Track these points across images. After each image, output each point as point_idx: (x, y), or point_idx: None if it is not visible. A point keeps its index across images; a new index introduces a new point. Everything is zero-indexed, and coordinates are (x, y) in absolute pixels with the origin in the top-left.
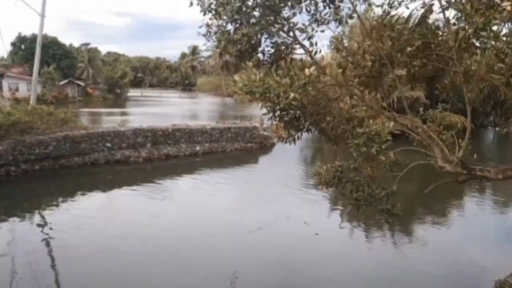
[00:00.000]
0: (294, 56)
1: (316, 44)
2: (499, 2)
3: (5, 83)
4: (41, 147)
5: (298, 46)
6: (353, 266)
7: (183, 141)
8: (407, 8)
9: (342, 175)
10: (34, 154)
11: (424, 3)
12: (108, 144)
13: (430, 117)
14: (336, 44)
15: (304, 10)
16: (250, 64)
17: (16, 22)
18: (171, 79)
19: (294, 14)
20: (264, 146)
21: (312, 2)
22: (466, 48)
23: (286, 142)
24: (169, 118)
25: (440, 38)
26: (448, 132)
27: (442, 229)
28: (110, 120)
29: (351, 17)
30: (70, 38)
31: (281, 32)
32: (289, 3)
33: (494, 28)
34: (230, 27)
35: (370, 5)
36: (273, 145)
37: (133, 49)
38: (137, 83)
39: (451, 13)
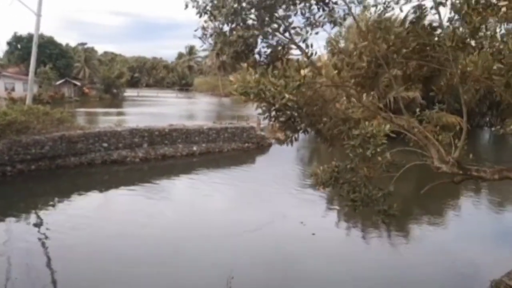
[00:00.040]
0: (291, 56)
1: (311, 46)
2: (495, 2)
3: (1, 83)
4: (37, 147)
5: (294, 46)
6: (351, 267)
7: (180, 141)
8: (401, 11)
9: (339, 176)
10: (30, 154)
11: (419, 5)
12: (105, 144)
13: (427, 117)
14: (332, 47)
15: (299, 12)
16: (245, 65)
17: (12, 22)
18: (168, 79)
19: (289, 16)
20: (261, 146)
21: (306, 5)
22: (463, 47)
23: (284, 144)
24: (166, 118)
25: (436, 39)
26: (445, 133)
27: (439, 229)
28: (106, 120)
29: (345, 18)
30: (66, 38)
31: (277, 33)
32: (284, 6)
33: (491, 28)
34: (226, 28)
35: (365, 7)
36: (270, 145)
37: (130, 49)
38: (133, 83)
39: (446, 14)
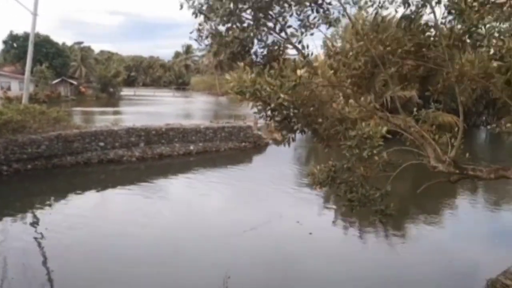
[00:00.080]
0: (287, 56)
1: (307, 47)
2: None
3: None
4: (34, 146)
5: (290, 46)
6: (349, 266)
7: (176, 140)
8: (396, 11)
9: (335, 175)
10: (26, 154)
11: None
12: (101, 144)
13: (423, 117)
14: (327, 49)
15: (294, 13)
16: (242, 64)
17: (8, 20)
18: (165, 78)
19: (284, 18)
20: (258, 146)
21: (300, 8)
22: (460, 45)
23: (281, 144)
24: (163, 117)
25: (431, 39)
26: (441, 132)
27: (435, 229)
28: (103, 119)
29: (339, 20)
30: (63, 37)
31: (272, 32)
32: (279, 5)
33: (488, 26)
34: (222, 28)
35: (360, 7)
36: (267, 144)
37: (126, 48)
38: (130, 82)
39: (440, 14)
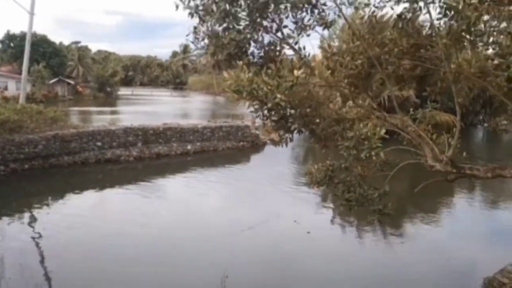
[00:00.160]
0: (285, 56)
1: (304, 48)
2: None
3: None
4: (31, 146)
5: (287, 46)
6: (347, 265)
7: (174, 140)
8: (392, 9)
9: (333, 174)
10: (24, 153)
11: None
12: (99, 143)
13: (420, 116)
14: (324, 50)
15: (290, 15)
16: (241, 62)
17: (5, 20)
18: (162, 77)
19: (281, 19)
20: (256, 145)
21: (295, 10)
22: (458, 42)
23: (278, 145)
24: (160, 117)
25: (428, 38)
26: (438, 131)
27: (433, 228)
28: (100, 119)
29: (335, 21)
30: (60, 36)
31: (269, 33)
32: (273, 5)
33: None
34: (218, 28)
35: (356, 8)
36: (264, 144)
37: (124, 48)
38: (128, 82)
39: (436, 13)
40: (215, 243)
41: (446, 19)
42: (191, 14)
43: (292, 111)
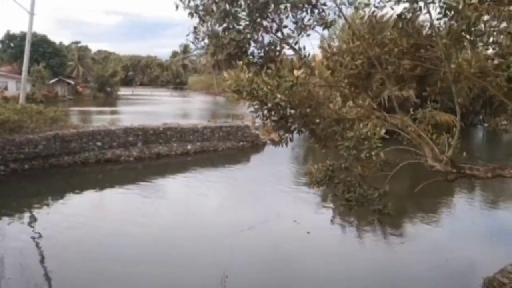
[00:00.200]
0: (285, 56)
1: (304, 48)
2: None
3: None
4: (31, 146)
5: (287, 46)
6: (347, 266)
7: (174, 140)
8: (392, 9)
9: (333, 174)
10: (24, 153)
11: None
12: (99, 143)
13: (420, 116)
14: (324, 50)
15: (290, 15)
16: (241, 62)
17: (5, 20)
18: (162, 77)
19: (281, 18)
20: (256, 145)
21: (295, 10)
22: (458, 42)
23: (278, 145)
24: (160, 117)
25: (428, 38)
26: (438, 131)
27: (433, 227)
28: (100, 119)
29: (335, 20)
30: (60, 36)
31: (269, 33)
32: (273, 5)
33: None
34: (218, 28)
35: (356, 8)
36: (265, 144)
37: (124, 48)
38: (128, 82)
39: (436, 13)
40: (215, 243)
41: (446, 19)
42: (191, 14)
43: (292, 111)
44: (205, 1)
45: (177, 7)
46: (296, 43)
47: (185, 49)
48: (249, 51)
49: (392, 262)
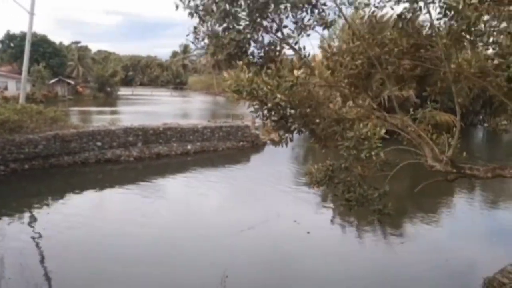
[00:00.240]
0: (285, 56)
1: (304, 48)
2: None
3: None
4: (31, 146)
5: (287, 46)
6: (347, 266)
7: (174, 140)
8: (392, 9)
9: (333, 174)
10: (24, 153)
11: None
12: (99, 143)
13: (420, 116)
14: (324, 50)
15: (290, 15)
16: (241, 62)
17: (5, 20)
18: (162, 77)
19: (281, 20)
20: (256, 145)
21: (294, 10)
22: (459, 42)
23: (278, 145)
24: (160, 117)
25: (428, 39)
26: (438, 131)
27: (433, 227)
28: (100, 119)
29: (335, 20)
30: (60, 36)
31: (269, 33)
32: (273, 5)
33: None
34: (218, 28)
35: (356, 8)
36: (264, 144)
37: (124, 48)
38: (128, 82)
39: (436, 13)
40: (215, 243)
41: (446, 19)
42: (191, 14)
43: (292, 111)
44: (205, 1)
45: (177, 7)
46: (296, 43)
47: (185, 49)
48: (249, 51)
49: (392, 262)
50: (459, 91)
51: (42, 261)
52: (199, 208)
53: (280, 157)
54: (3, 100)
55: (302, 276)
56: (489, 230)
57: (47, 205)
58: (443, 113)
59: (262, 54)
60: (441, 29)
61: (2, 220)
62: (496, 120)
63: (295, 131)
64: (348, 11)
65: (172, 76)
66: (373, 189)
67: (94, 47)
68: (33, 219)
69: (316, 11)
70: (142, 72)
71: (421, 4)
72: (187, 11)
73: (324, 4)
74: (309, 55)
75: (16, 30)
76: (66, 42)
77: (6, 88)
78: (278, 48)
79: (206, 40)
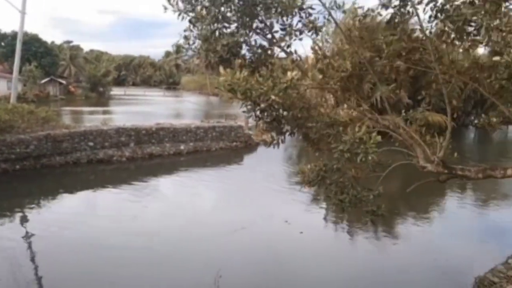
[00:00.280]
0: (277, 58)
1: (295, 52)
2: None
3: None
4: (22, 146)
5: (279, 49)
6: (339, 266)
7: (167, 140)
8: (380, 15)
9: (326, 175)
10: (15, 154)
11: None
12: (91, 143)
13: (411, 117)
14: (315, 52)
15: (279, 21)
16: (237, 61)
17: None
18: (155, 77)
19: (272, 24)
20: (249, 145)
21: (283, 14)
22: (452, 42)
23: (270, 146)
24: (153, 117)
25: (420, 42)
26: (430, 132)
27: (425, 228)
28: (92, 119)
29: (325, 24)
30: (52, 36)
31: (260, 36)
32: (262, 12)
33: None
34: (210, 28)
35: (345, 12)
36: (258, 144)
37: (116, 47)
38: (120, 82)
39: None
40: (208, 243)
41: (437, 20)
42: (182, 17)
43: (285, 113)
44: (194, 5)
45: (165, 9)
46: (288, 47)
47: (178, 49)
48: (241, 55)
49: (384, 262)
50: (451, 93)
51: (33, 261)
52: (192, 208)
53: (274, 157)
54: None
55: (295, 276)
56: (481, 230)
57: (39, 205)
58: (435, 113)
59: (253, 57)
60: (432, 31)
61: None
62: (486, 117)
63: (287, 133)
64: (339, 14)
65: (165, 76)
66: (367, 191)
67: (86, 46)
68: (24, 219)
69: (304, 15)
70: (135, 72)
71: (409, 9)
72: (176, 13)
73: (311, 8)
74: (300, 58)
75: (7, 29)
76: (58, 42)
77: None
78: (269, 52)
79: (197, 44)
